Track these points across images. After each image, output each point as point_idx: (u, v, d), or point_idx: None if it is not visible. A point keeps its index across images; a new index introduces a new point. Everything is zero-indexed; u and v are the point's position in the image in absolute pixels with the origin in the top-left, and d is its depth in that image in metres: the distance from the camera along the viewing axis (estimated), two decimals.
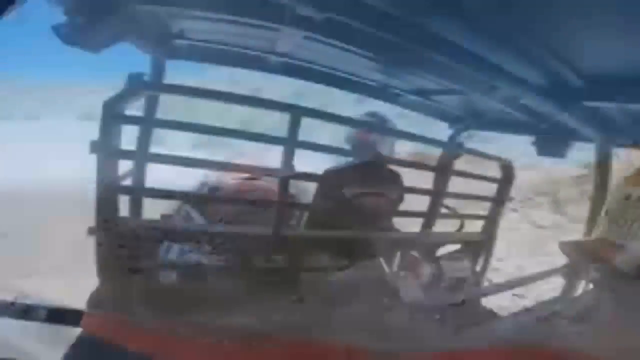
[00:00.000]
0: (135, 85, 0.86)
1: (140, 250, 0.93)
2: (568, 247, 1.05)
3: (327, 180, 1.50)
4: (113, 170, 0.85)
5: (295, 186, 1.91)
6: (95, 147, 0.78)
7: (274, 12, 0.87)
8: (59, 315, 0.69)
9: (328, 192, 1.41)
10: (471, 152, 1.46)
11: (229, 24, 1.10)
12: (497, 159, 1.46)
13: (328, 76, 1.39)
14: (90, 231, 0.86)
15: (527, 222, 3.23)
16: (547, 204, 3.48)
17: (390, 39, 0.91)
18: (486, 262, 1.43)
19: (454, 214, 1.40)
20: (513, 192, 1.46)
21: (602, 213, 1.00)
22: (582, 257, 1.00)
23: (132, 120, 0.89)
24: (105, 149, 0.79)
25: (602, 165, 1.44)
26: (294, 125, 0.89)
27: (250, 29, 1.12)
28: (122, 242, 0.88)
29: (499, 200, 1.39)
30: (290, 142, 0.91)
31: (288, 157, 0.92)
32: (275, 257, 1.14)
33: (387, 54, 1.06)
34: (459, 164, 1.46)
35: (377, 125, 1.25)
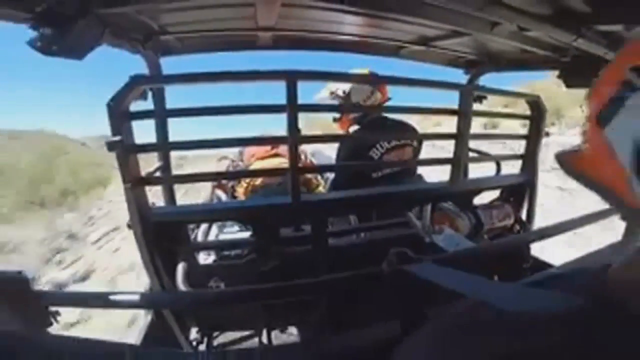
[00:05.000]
0: (134, 80, 0.85)
1: (178, 236, 0.96)
2: None
3: (350, 141, 1.45)
4: (134, 165, 0.86)
5: (315, 156, 1.90)
6: (111, 146, 0.78)
7: None
8: None
9: (353, 153, 1.36)
10: (493, 91, 1.34)
11: (205, 9, 1.07)
12: (523, 95, 1.32)
13: (320, 41, 1.32)
14: (129, 226, 0.90)
15: None
16: None
17: None
18: (531, 206, 1.29)
19: (486, 157, 1.27)
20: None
21: None
22: None
23: (138, 115, 0.87)
24: (121, 146, 0.79)
25: None
26: (292, 90, 0.85)
27: (228, 9, 1.09)
28: (159, 231, 0.91)
29: (534, 137, 1.25)
30: (292, 107, 0.86)
31: (292, 122, 0.87)
32: (304, 227, 1.11)
33: (375, 4, 0.98)
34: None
35: (388, 77, 1.16)
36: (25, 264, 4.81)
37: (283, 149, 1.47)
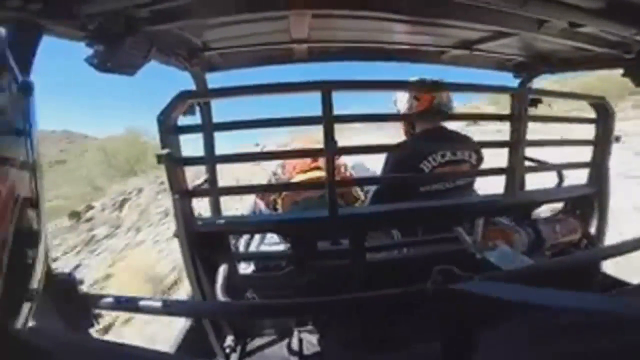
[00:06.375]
0: (181, 96, 0.89)
1: (220, 246, 0.98)
2: None
3: (401, 151, 1.39)
4: (182, 177, 0.90)
5: (355, 169, 1.85)
6: (160, 159, 0.82)
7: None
8: None
9: (400, 165, 1.29)
10: (549, 94, 1.21)
11: (241, 24, 1.10)
12: (585, 96, 1.19)
13: (357, 50, 1.30)
14: (175, 234, 0.94)
15: None
16: None
17: None
18: (602, 219, 1.13)
19: (545, 166, 1.14)
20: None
21: None
22: None
23: (186, 129, 0.91)
24: (170, 159, 0.83)
25: None
26: (327, 100, 0.83)
27: (262, 23, 1.11)
28: (203, 241, 0.94)
29: (602, 143, 1.10)
30: (327, 118, 0.84)
31: (328, 134, 0.85)
32: (342, 240, 1.07)
33: (411, 10, 0.94)
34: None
35: (440, 83, 1.10)
36: None
37: (324, 162, 1.44)
